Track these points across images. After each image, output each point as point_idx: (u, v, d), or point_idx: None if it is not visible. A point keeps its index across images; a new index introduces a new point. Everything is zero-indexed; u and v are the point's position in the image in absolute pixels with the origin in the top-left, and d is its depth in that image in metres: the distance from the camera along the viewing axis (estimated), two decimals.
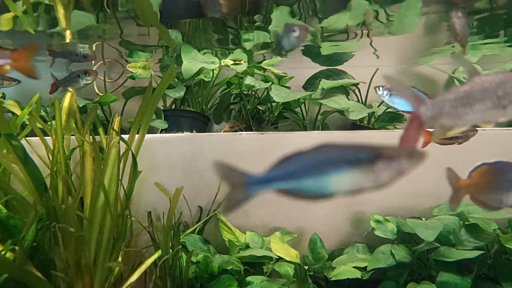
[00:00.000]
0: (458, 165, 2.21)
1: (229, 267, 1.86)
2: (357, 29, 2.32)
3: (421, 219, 2.03)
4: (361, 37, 2.42)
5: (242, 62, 2.40)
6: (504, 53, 2.75)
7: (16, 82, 2.36)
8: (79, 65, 2.39)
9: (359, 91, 2.68)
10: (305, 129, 2.68)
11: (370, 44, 2.55)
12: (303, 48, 2.63)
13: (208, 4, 1.91)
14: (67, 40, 2.30)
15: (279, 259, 1.93)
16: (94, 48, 2.49)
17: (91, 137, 1.93)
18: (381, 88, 1.81)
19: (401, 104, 1.84)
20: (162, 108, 2.69)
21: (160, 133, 2.54)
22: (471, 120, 0.90)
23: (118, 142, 1.89)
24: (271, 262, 1.95)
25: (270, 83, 2.52)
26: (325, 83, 2.50)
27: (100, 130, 2.09)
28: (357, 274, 1.86)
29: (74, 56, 2.30)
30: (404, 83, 1.02)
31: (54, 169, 1.86)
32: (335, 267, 1.95)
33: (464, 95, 0.90)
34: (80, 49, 2.30)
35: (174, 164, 2.27)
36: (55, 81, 2.39)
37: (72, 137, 2.07)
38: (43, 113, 2.42)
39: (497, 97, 0.88)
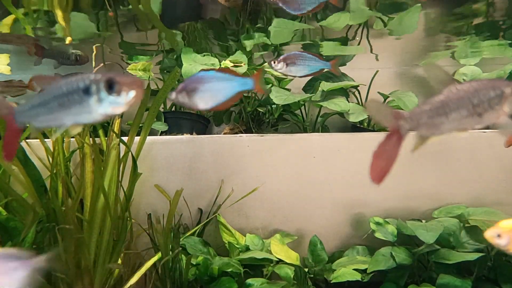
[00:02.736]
0: (459, 165, 2.22)
1: (229, 269, 1.85)
2: (357, 29, 2.33)
3: (421, 221, 2.03)
4: (360, 39, 2.42)
5: (242, 64, 2.41)
6: (503, 56, 2.76)
7: None
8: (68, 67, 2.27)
9: (359, 93, 2.68)
10: (305, 131, 2.68)
11: (370, 48, 2.55)
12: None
13: (209, 5, 1.91)
14: (67, 42, 2.28)
15: (279, 261, 1.92)
16: (94, 51, 2.48)
17: (91, 139, 1.92)
18: (275, 61, 1.79)
19: (298, 70, 1.82)
20: (162, 110, 2.68)
21: (160, 135, 2.54)
22: (448, 129, 0.92)
23: (118, 144, 1.89)
24: (271, 265, 1.95)
25: (270, 85, 2.52)
26: (325, 85, 2.50)
27: (100, 132, 2.09)
28: (357, 276, 1.85)
29: (65, 58, 2.17)
30: (380, 102, 1.04)
31: (54, 171, 1.86)
32: (335, 269, 1.95)
33: (440, 105, 0.92)
34: (72, 50, 2.19)
35: (174, 166, 2.27)
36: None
37: (72, 139, 2.07)
38: None
39: (473, 105, 0.90)
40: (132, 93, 0.83)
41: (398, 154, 0.94)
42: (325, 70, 1.88)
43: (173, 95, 1.17)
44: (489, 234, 1.27)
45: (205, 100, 1.19)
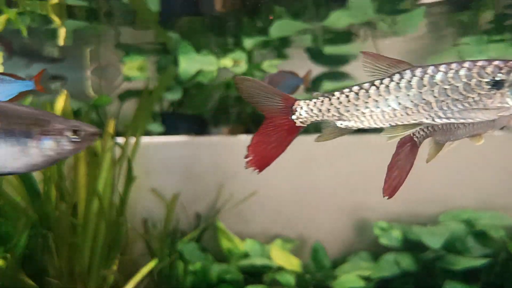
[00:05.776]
0: (466, 168, 2.18)
1: (228, 276, 1.83)
2: (361, 30, 2.29)
3: (427, 226, 2.00)
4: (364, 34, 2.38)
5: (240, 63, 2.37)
6: (509, 55, 2.72)
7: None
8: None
9: None
10: (306, 132, 2.63)
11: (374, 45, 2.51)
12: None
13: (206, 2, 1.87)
14: (61, 43, 2.23)
15: (280, 268, 1.89)
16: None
17: None
18: None
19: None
20: (159, 111, 2.65)
21: None
22: (462, 134, 0.92)
23: (113, 146, 1.85)
24: (272, 271, 1.92)
25: None
26: (327, 86, 2.47)
27: None
28: (361, 283, 1.83)
29: (40, 56, 2.04)
30: None
31: (47, 174, 1.82)
32: (338, 276, 1.92)
33: None
34: (49, 48, 2.08)
35: (172, 169, 2.23)
36: None
37: None
38: None
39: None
40: None
41: (411, 166, 0.89)
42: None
43: None
44: None
45: None
